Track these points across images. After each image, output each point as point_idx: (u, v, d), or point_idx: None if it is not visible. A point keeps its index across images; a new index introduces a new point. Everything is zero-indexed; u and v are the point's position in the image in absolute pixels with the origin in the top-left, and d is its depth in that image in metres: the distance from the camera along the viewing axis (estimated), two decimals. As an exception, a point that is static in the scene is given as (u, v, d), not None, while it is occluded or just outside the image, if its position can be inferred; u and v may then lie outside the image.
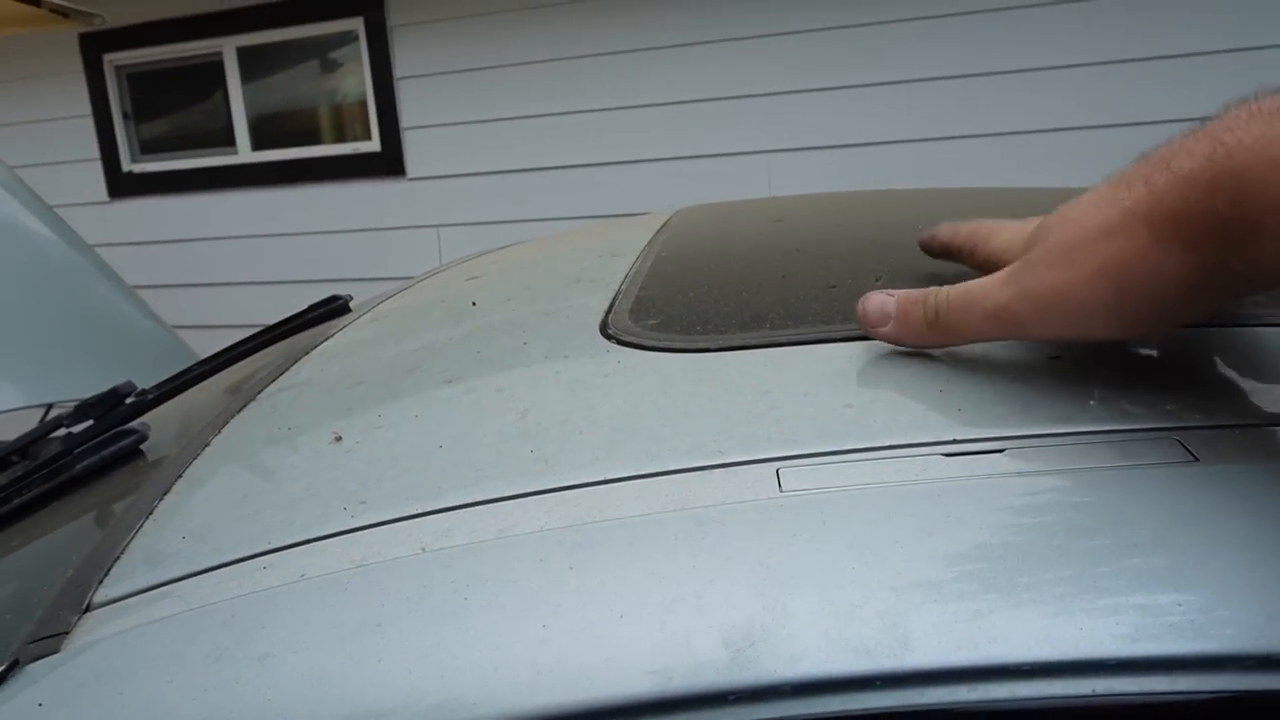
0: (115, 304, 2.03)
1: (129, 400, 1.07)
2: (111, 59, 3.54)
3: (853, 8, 2.67)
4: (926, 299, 0.48)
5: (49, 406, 1.80)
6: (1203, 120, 0.36)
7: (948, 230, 0.58)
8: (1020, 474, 0.38)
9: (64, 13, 2.13)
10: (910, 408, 0.44)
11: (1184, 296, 0.37)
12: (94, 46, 3.51)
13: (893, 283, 0.54)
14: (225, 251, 3.56)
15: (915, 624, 0.32)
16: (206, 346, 1.25)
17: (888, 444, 0.41)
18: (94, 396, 1.10)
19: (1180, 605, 0.31)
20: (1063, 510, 0.35)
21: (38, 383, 1.80)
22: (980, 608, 0.32)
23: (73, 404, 1.22)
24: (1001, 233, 0.51)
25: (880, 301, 0.50)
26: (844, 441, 0.42)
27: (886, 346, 0.50)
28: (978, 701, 0.31)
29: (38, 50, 3.53)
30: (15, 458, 1.19)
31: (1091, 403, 0.43)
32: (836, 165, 2.80)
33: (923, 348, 0.49)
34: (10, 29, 2.25)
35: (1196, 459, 0.37)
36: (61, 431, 1.12)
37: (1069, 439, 0.40)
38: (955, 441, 0.41)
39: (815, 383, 0.49)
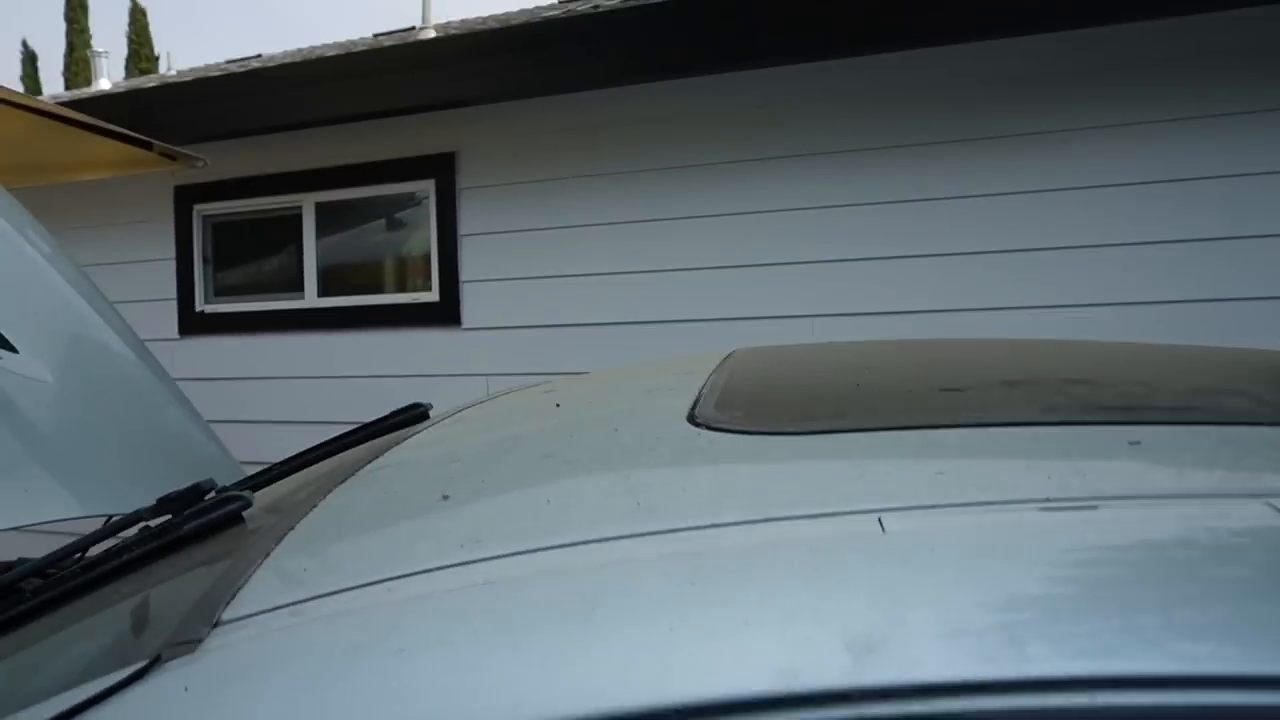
0: (184, 428, 2.11)
1: (208, 497, 1.11)
2: (201, 209, 3.83)
3: (902, 185, 2.83)
4: None
5: (109, 518, 1.84)
6: None
7: None
8: (1122, 523, 0.40)
9: (171, 156, 2.35)
10: (1000, 474, 0.47)
11: None
12: (187, 197, 3.81)
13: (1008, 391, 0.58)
14: (283, 391, 3.68)
15: (1031, 636, 0.34)
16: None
17: (983, 500, 0.44)
18: (174, 492, 1.14)
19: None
20: (1163, 558, 0.37)
21: (101, 494, 1.85)
22: (1096, 625, 0.34)
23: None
24: None
25: None
26: (940, 499, 0.45)
27: (968, 436, 0.54)
28: (1092, 707, 0.32)
29: (136, 199, 3.83)
30: (79, 555, 1.22)
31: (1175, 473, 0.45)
32: (883, 333, 2.88)
33: None
34: (126, 170, 2.48)
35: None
36: (139, 525, 1.16)
37: (1162, 500, 0.42)
38: (1049, 500, 0.43)
39: (904, 458, 0.51)
